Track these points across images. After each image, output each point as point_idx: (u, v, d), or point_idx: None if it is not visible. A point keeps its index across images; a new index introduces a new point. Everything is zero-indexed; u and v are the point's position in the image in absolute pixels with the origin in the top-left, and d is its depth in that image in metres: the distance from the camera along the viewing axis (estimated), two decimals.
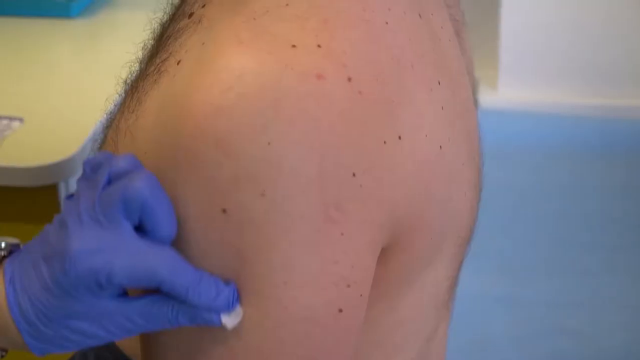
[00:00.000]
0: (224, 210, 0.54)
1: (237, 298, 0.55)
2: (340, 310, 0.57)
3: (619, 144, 3.19)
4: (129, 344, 0.76)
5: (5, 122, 1.43)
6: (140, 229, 0.55)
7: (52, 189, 1.39)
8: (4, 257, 0.59)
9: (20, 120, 1.44)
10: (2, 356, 0.61)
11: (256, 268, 0.55)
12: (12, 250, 0.59)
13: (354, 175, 0.55)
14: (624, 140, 3.21)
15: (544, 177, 3.08)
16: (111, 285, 0.54)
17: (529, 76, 3.27)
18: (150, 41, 0.68)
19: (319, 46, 0.55)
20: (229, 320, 0.55)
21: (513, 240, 2.74)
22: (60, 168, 1.34)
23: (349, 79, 0.55)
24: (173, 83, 0.58)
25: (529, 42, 3.25)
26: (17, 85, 1.63)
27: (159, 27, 0.67)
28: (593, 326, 2.37)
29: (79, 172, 1.34)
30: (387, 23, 0.59)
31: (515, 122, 3.25)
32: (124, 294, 0.56)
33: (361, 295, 0.58)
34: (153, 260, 0.54)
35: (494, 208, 2.84)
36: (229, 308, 0.55)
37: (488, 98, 3.25)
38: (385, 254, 0.60)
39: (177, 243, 0.56)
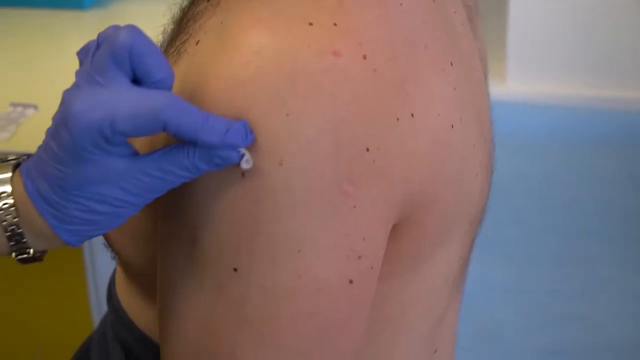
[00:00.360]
0: (243, 175, 0.55)
1: (250, 132, 0.54)
2: (351, 282, 0.58)
3: (627, 135, 3.19)
4: (145, 322, 0.77)
5: (19, 109, 1.45)
6: (137, 81, 0.55)
7: None
8: (18, 163, 0.60)
9: (35, 107, 1.45)
10: (41, 259, 0.61)
11: (271, 236, 0.56)
12: (22, 159, 0.60)
13: (367, 150, 0.56)
14: (633, 132, 3.21)
15: (551, 168, 3.08)
16: (116, 134, 0.54)
17: (537, 68, 3.27)
18: (170, 25, 0.69)
19: (335, 24, 0.56)
20: (248, 156, 0.55)
21: (521, 229, 2.75)
22: None
23: (364, 57, 0.56)
24: (193, 61, 0.59)
25: (537, 35, 3.25)
26: (31, 74, 1.64)
27: (179, 12, 0.68)
28: (600, 314, 2.37)
29: None
30: (401, 5, 0.60)
31: (523, 114, 3.25)
32: (135, 154, 0.56)
33: (372, 267, 0.59)
34: (154, 102, 0.54)
35: (502, 198, 2.85)
36: (244, 142, 0.54)
37: (496, 90, 3.24)
38: (397, 231, 0.61)
39: (194, 210, 0.57)
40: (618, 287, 2.46)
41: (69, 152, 0.55)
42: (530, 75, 3.28)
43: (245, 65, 0.55)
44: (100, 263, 1.50)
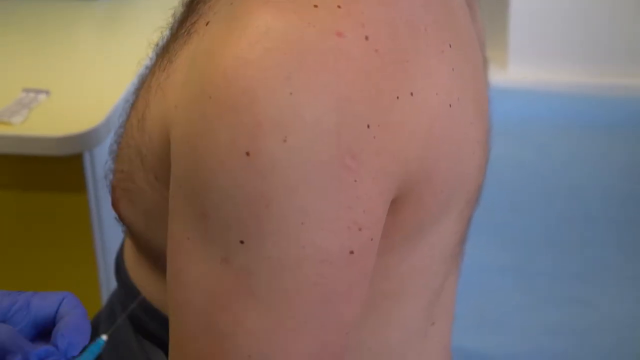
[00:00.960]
0: (248, 154, 0.56)
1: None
2: (352, 252, 0.59)
3: (626, 121, 3.19)
4: (154, 295, 0.79)
5: (32, 94, 1.46)
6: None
7: (78, 158, 1.42)
8: None
9: (47, 92, 1.47)
10: None
11: (276, 209, 0.57)
12: None
13: (368, 127, 0.58)
14: (631, 118, 3.21)
15: (551, 153, 3.07)
16: None
17: (538, 56, 3.25)
18: (180, 8, 0.71)
19: (339, 7, 0.58)
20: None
21: (520, 214, 2.75)
22: (84, 138, 1.37)
23: (366, 38, 0.58)
24: (202, 41, 0.61)
25: (538, 22, 3.23)
26: (43, 60, 1.66)
27: None
28: (600, 297, 2.38)
29: (103, 142, 1.39)
30: None
31: (524, 101, 3.24)
32: None
33: (372, 239, 0.60)
34: None
35: (503, 184, 2.86)
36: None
37: (498, 77, 3.25)
38: (396, 205, 0.63)
39: (203, 188, 0.59)
40: (618, 270, 2.47)
41: None
42: (531, 63, 3.27)
43: (252, 45, 0.57)
44: (110, 240, 1.51)
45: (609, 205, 2.77)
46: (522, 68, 3.28)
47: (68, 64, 1.65)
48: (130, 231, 0.77)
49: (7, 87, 1.49)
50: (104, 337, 0.58)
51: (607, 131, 3.16)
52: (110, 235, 1.50)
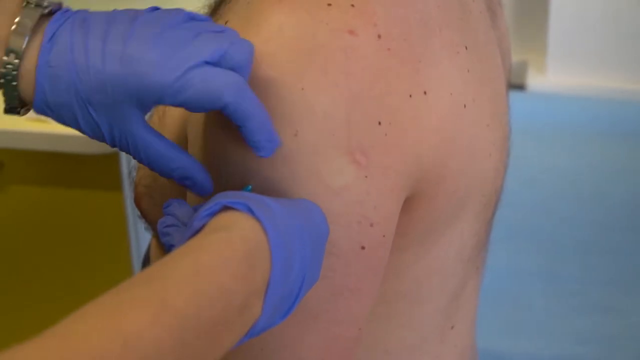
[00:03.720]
0: None
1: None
2: (363, 248, 0.60)
3: None
4: None
5: None
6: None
7: (114, 156, 1.44)
8: (46, 13, 0.57)
9: None
10: (20, 113, 0.59)
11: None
12: (54, 9, 0.57)
13: (379, 124, 0.59)
14: None
15: (587, 159, 3.07)
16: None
17: (577, 61, 3.25)
18: (205, 9, 0.73)
19: (352, 5, 0.59)
20: None
21: (553, 219, 2.74)
22: None
23: (379, 36, 0.59)
24: None
25: (577, 28, 3.23)
26: None
27: None
28: (628, 304, 2.38)
29: None
30: None
31: (563, 106, 3.24)
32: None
33: (384, 235, 0.61)
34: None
35: (539, 189, 2.86)
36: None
37: (536, 82, 3.24)
38: (409, 204, 0.64)
39: (219, 180, 0.60)
40: None
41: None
42: (570, 68, 3.26)
43: (266, 42, 0.58)
44: (145, 239, 1.53)
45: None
46: (561, 73, 3.27)
47: None
48: (153, 228, 0.79)
49: None
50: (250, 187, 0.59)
51: None
52: (145, 233, 1.51)
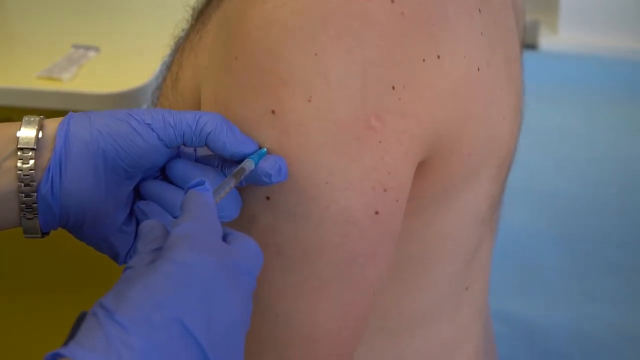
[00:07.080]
0: (273, 112, 0.58)
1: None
2: (377, 213, 0.60)
3: None
4: None
5: (81, 51, 1.48)
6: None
7: None
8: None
9: (96, 49, 1.49)
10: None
11: (300, 168, 0.58)
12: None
13: (393, 88, 0.59)
14: None
15: (599, 120, 3.06)
16: None
17: (589, 19, 3.23)
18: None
19: None
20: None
21: (565, 180, 2.75)
22: (133, 95, 1.38)
23: (392, 1, 0.59)
24: (231, 3, 0.62)
25: None
26: (93, 17, 1.68)
27: None
28: (638, 264, 2.38)
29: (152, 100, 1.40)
30: None
31: (575, 65, 3.21)
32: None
33: (397, 200, 0.61)
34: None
35: (551, 149, 2.85)
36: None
37: (548, 41, 3.22)
38: (423, 168, 0.63)
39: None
40: None
41: None
42: (582, 27, 3.24)
43: (278, 7, 0.58)
44: None
45: None
46: (573, 31, 3.25)
47: (117, 21, 1.67)
48: None
49: (57, 43, 1.51)
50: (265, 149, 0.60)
51: None
52: None
